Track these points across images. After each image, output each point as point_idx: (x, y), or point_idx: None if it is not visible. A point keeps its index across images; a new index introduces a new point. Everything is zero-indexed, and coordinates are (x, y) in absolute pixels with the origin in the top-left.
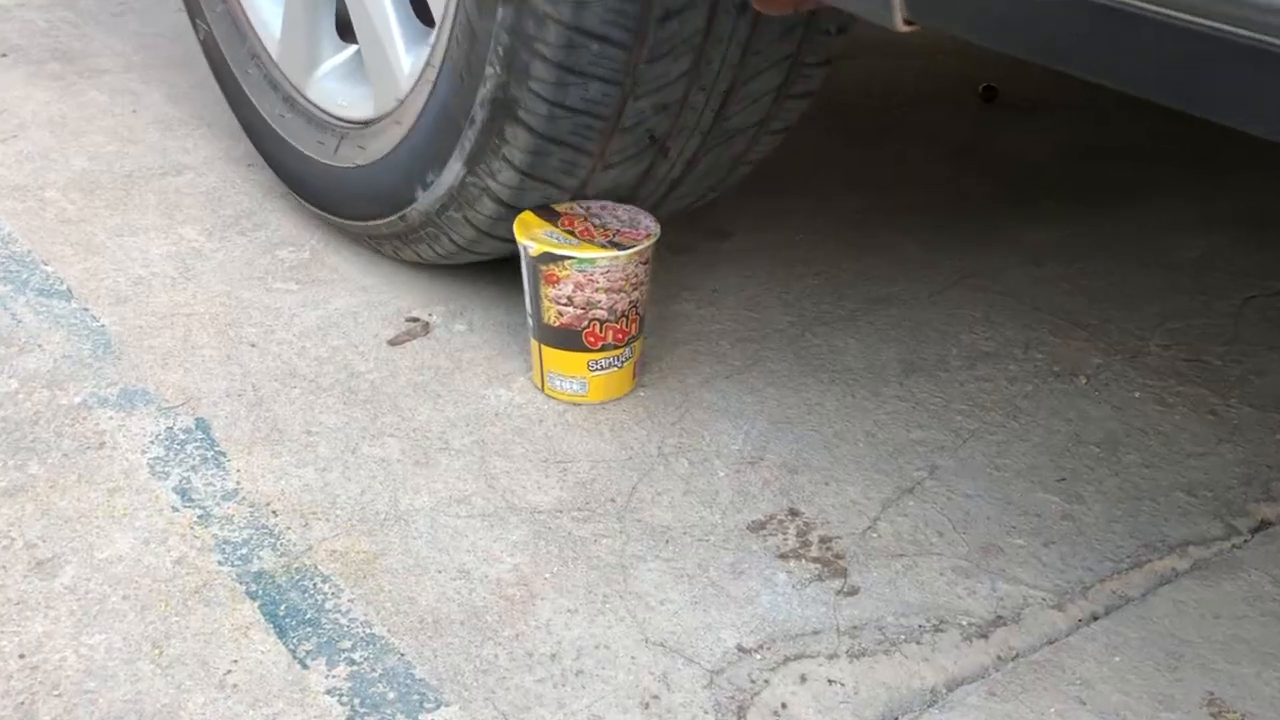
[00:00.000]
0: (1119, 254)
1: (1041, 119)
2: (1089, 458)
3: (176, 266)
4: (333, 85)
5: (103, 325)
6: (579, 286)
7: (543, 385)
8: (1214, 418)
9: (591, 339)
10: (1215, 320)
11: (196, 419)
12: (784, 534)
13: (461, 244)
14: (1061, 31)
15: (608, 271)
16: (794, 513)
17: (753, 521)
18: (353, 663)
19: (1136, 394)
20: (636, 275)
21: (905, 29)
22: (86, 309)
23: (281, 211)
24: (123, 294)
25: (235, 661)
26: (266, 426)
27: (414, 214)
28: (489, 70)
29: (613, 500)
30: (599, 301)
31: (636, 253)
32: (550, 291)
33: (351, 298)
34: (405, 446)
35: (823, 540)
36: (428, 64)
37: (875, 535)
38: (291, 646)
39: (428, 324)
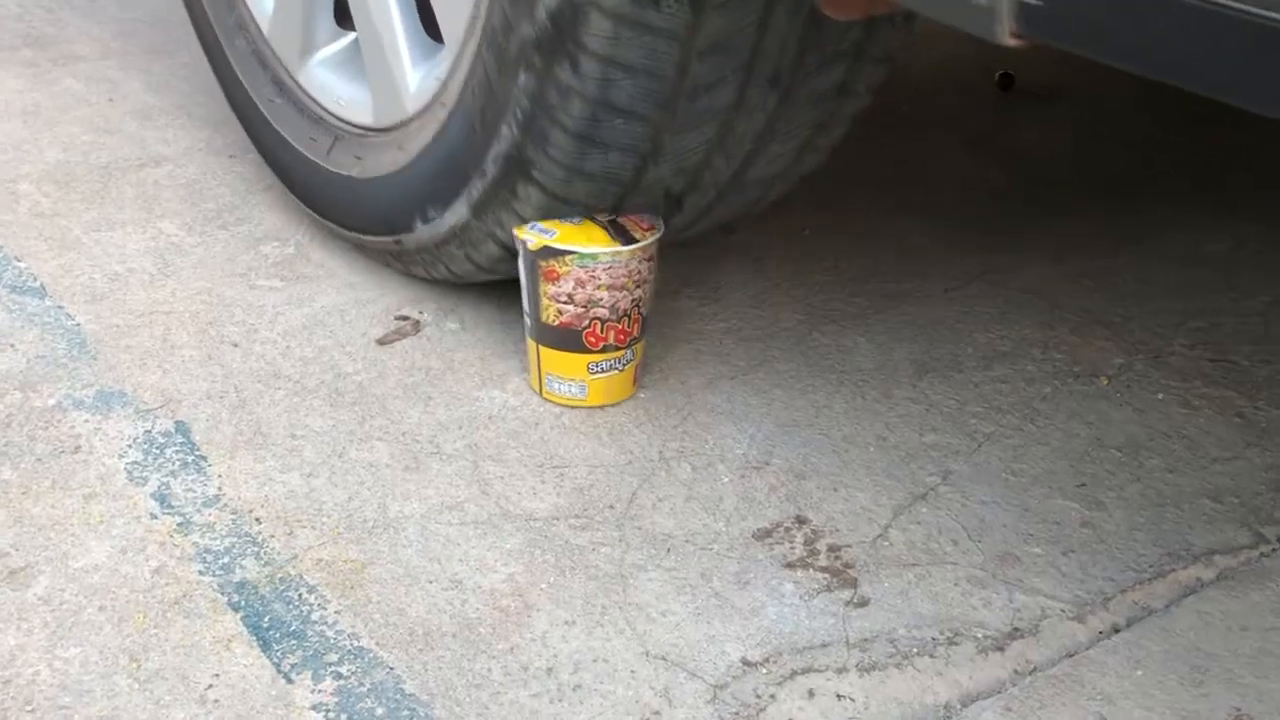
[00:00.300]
0: (1142, 249)
1: (1061, 107)
2: (1110, 462)
3: (155, 262)
4: (328, 76)
5: (78, 324)
6: (580, 283)
7: (540, 389)
8: (1241, 420)
9: (592, 339)
10: (1243, 318)
11: (176, 422)
12: (791, 542)
13: (459, 274)
14: (1217, 55)
15: (610, 268)
16: (801, 520)
17: (758, 529)
18: (339, 677)
19: (1160, 396)
20: (640, 273)
21: (1012, 44)
22: (61, 307)
23: (265, 205)
24: (99, 291)
25: (217, 675)
26: (249, 430)
27: (410, 241)
28: (505, 130)
29: (611, 507)
30: (601, 299)
31: (641, 248)
32: (549, 289)
33: (338, 295)
34: (395, 451)
35: (831, 549)
36: (438, 100)
37: (886, 544)
38: (275, 660)
39: (418, 322)
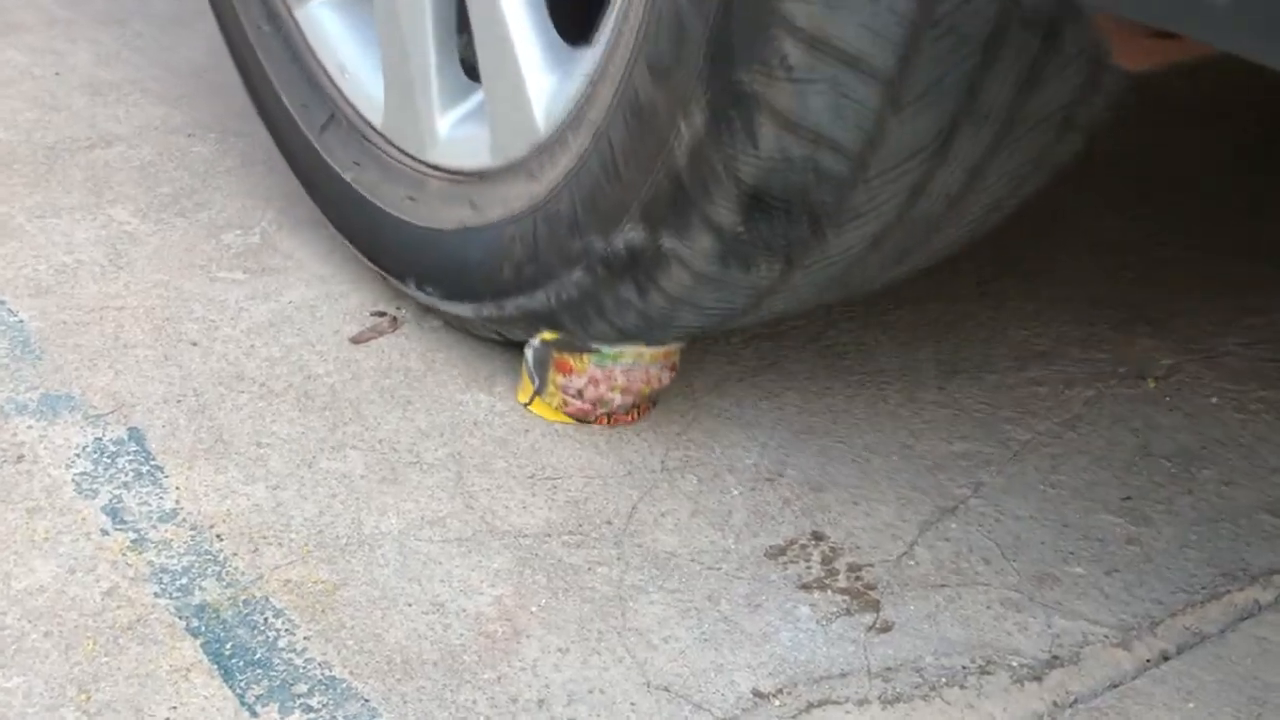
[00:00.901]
0: (1190, 239)
1: None
2: (1158, 473)
3: (106, 253)
4: (332, 25)
5: (21, 320)
6: (593, 382)
7: (526, 404)
8: None
9: (597, 425)
10: None
11: (129, 429)
12: (807, 561)
13: (454, 327)
14: None
15: (629, 370)
16: (818, 536)
17: (771, 547)
18: (309, 709)
19: (1213, 399)
20: (659, 379)
21: None
22: (2, 302)
23: (227, 190)
24: (44, 284)
25: (174, 708)
26: (210, 437)
27: (399, 286)
28: (543, 296)
29: (609, 522)
30: (612, 400)
31: (662, 353)
32: (559, 379)
33: (308, 289)
34: (370, 460)
35: (851, 568)
36: (466, 195)
37: (912, 563)
38: (239, 691)
39: (396, 319)
